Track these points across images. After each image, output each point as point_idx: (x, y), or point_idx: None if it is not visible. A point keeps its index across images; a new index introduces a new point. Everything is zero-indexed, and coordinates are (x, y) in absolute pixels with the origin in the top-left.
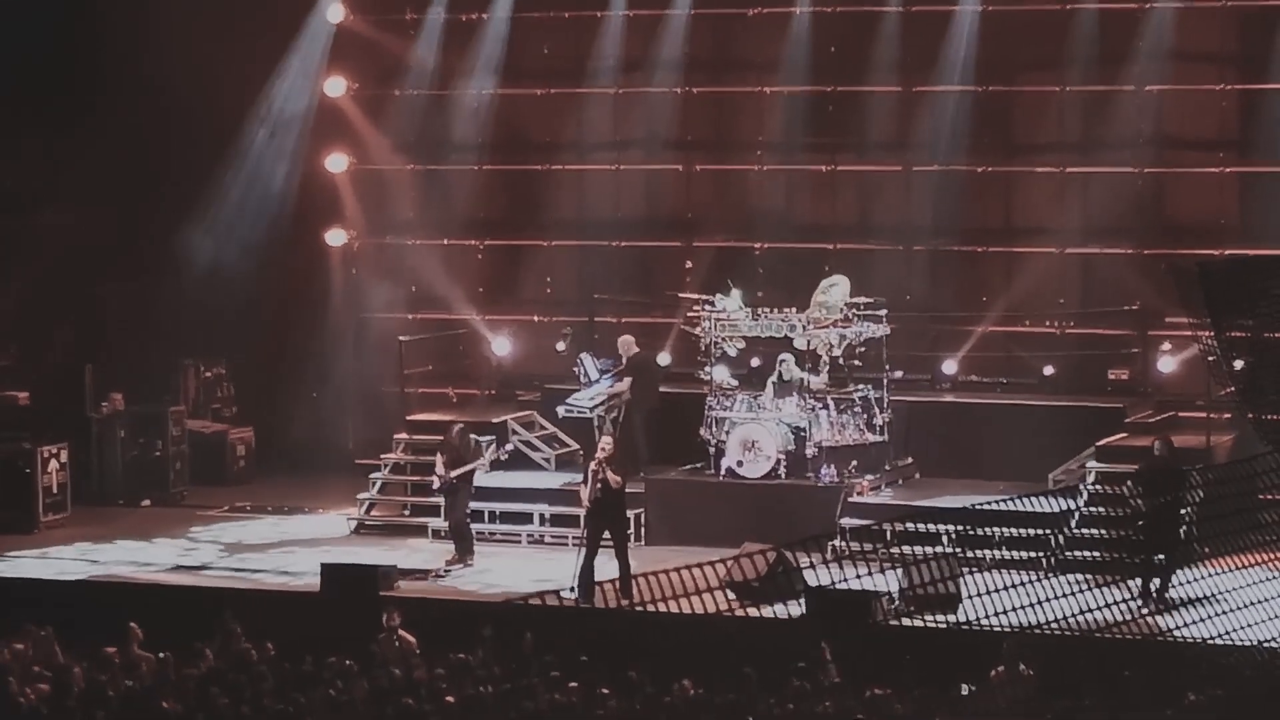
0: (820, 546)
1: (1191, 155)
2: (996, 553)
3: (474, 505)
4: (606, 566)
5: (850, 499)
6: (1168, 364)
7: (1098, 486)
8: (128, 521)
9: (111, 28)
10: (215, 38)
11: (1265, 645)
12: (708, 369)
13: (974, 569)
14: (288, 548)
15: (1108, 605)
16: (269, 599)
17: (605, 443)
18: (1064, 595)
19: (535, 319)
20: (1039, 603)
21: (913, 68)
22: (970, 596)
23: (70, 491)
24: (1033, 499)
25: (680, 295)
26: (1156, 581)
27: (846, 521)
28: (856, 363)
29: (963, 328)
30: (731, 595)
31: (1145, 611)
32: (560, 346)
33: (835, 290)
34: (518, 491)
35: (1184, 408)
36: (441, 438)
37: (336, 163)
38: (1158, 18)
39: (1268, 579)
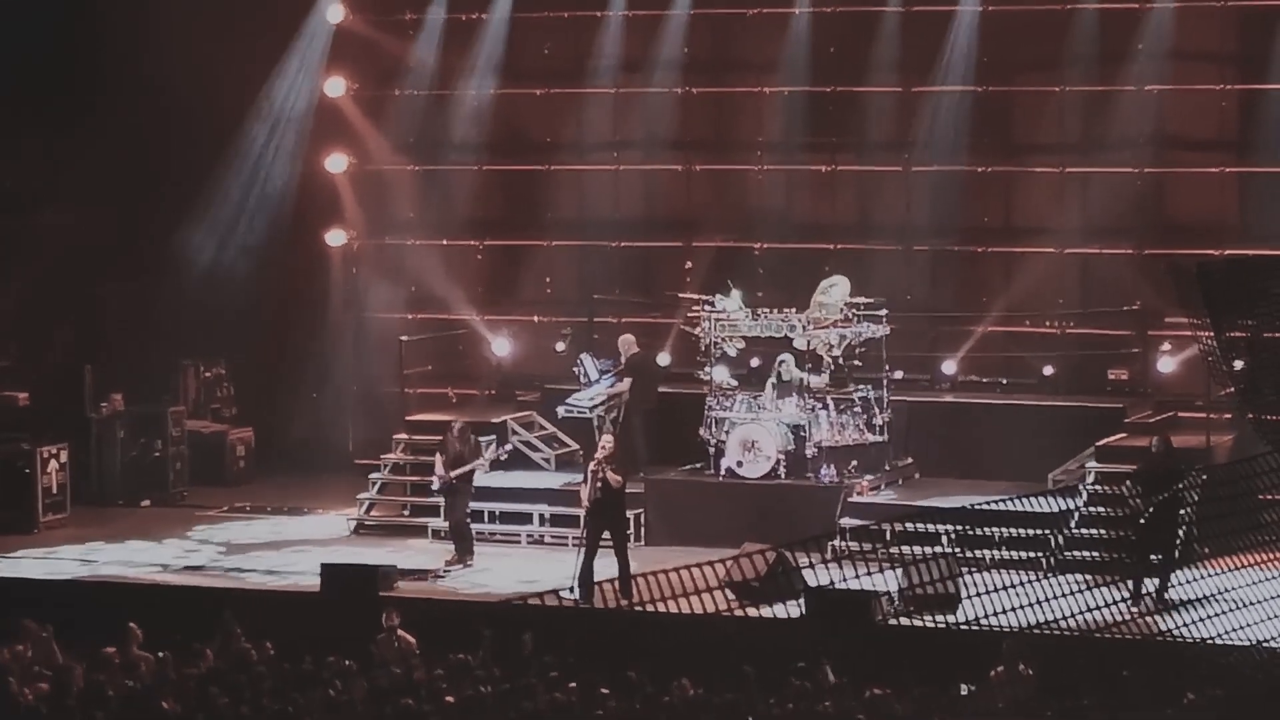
0: (820, 547)
1: (1191, 155)
2: (996, 553)
3: (474, 505)
4: (607, 567)
5: (850, 499)
6: (1167, 364)
7: (1097, 487)
8: (127, 522)
9: (111, 28)
10: (215, 38)
11: (1265, 645)
12: (707, 369)
13: (973, 569)
14: (287, 548)
15: (1107, 605)
16: (268, 599)
17: (606, 442)
18: (1063, 595)
19: (535, 319)
20: (1038, 603)
21: (912, 68)
22: (970, 596)
23: (70, 492)
24: (1032, 499)
25: (680, 295)
26: (1154, 582)
27: (846, 521)
28: (856, 363)
29: (962, 328)
30: (731, 595)
31: (1136, 611)
32: (560, 347)
33: (835, 290)
34: (517, 492)
35: (1184, 408)
36: (441, 438)
37: (336, 163)
38: (1157, 18)
39: (1267, 579)
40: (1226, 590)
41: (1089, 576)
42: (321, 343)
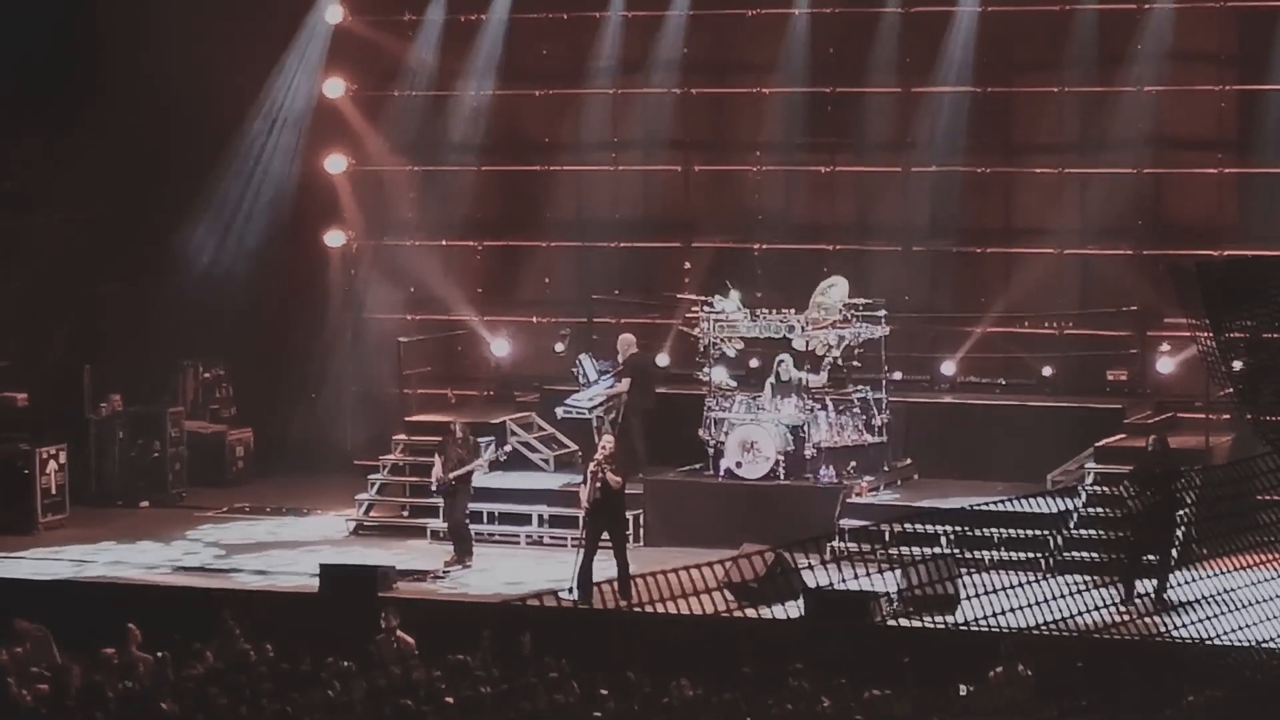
0: (819, 547)
1: (1190, 156)
2: (995, 554)
3: (473, 506)
4: (606, 567)
5: (849, 500)
6: (1166, 365)
7: (1096, 487)
8: (126, 522)
9: (111, 28)
10: (215, 38)
11: (1264, 645)
12: (706, 370)
13: (972, 570)
14: (286, 549)
15: (1106, 606)
16: (267, 599)
17: (606, 442)
18: (1062, 596)
19: (534, 320)
20: (1037, 603)
21: (912, 68)
22: (969, 597)
23: (69, 492)
24: (1031, 500)
25: (679, 296)
26: (1150, 584)
27: (845, 522)
28: (855, 363)
29: (961, 328)
30: (730, 596)
31: (1130, 613)
32: (559, 347)
33: (834, 291)
34: (516, 492)
35: (1183, 408)
36: (440, 439)
37: (335, 164)
38: (1156, 18)
39: (1267, 579)
40: (1225, 591)
41: (1088, 577)
42: (321, 343)
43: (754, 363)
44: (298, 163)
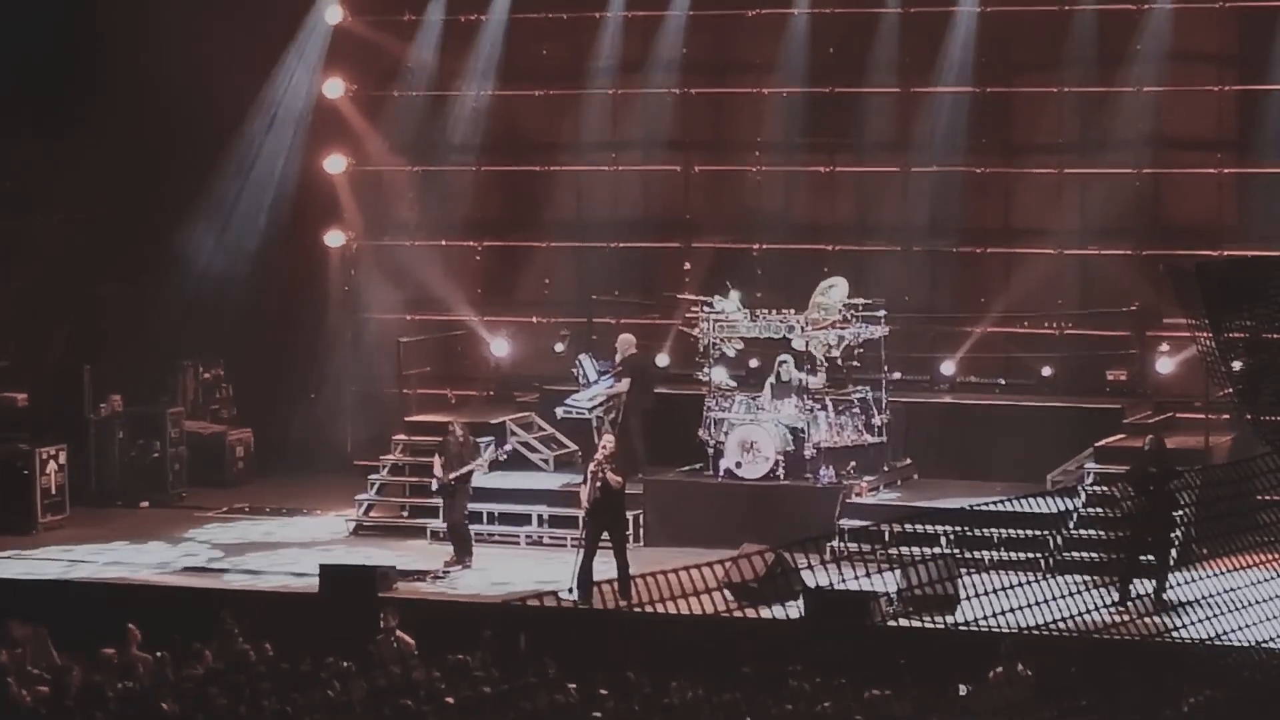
0: (819, 547)
1: (1190, 156)
2: (995, 554)
3: (472, 506)
4: (606, 567)
5: (849, 500)
6: (1166, 365)
7: (1096, 488)
8: (126, 523)
9: (111, 28)
10: (215, 38)
11: (1264, 645)
12: (706, 370)
13: (972, 570)
14: (286, 549)
15: (1106, 606)
16: (267, 600)
17: (606, 442)
18: (1062, 596)
19: (534, 320)
20: (1037, 604)
21: (911, 68)
22: (968, 597)
23: (69, 493)
24: (1031, 500)
25: (678, 296)
26: (1149, 584)
27: (845, 522)
28: (855, 364)
29: (961, 329)
30: (730, 596)
31: (1127, 613)
32: (559, 347)
33: (834, 291)
34: (516, 493)
35: (1182, 409)
36: (440, 439)
37: (335, 164)
38: (1156, 18)
39: (1266, 579)
40: (1225, 591)
41: (1088, 577)
42: (320, 343)
43: (754, 363)
44: (297, 163)
